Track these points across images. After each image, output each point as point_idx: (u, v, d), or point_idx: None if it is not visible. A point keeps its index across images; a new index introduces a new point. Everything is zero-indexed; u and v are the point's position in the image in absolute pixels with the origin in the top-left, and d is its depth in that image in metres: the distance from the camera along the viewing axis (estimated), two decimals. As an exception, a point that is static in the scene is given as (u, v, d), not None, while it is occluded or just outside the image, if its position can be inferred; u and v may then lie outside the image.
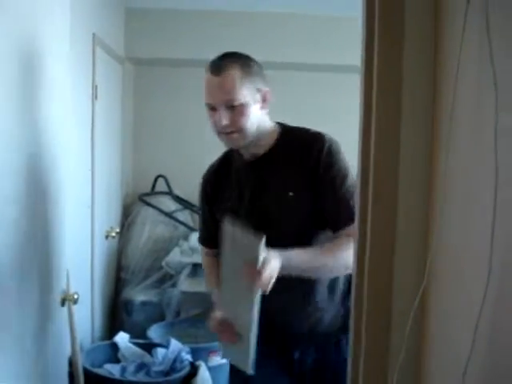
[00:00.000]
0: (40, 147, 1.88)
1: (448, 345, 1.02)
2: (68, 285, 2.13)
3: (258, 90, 1.70)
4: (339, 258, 1.61)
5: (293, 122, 1.84)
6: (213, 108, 1.68)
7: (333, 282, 1.75)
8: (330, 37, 4.00)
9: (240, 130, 1.67)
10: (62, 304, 2.08)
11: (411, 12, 1.07)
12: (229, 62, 1.68)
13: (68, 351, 2.35)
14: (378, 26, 1.08)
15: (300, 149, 1.72)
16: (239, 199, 1.79)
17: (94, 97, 3.29)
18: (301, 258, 1.58)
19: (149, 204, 4.06)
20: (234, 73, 1.66)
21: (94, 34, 3.21)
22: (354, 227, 1.49)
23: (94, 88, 3.28)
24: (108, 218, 3.73)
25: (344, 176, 1.68)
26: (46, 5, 1.91)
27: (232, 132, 1.68)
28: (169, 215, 4.04)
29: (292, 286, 1.66)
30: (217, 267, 1.93)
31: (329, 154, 1.68)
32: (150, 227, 3.97)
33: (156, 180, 4.25)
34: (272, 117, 1.79)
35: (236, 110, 1.66)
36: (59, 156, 2.05)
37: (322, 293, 1.74)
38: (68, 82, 2.16)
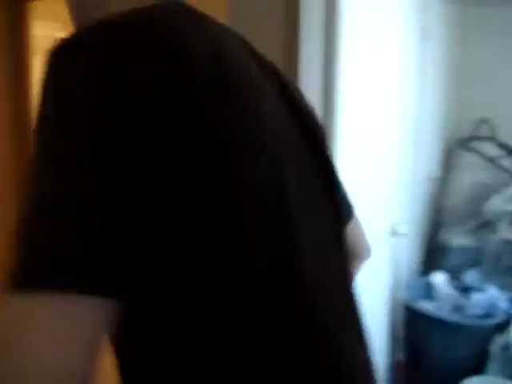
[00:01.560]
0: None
1: None
2: (397, 219, 2.25)
3: None
4: None
5: None
6: None
7: None
8: None
9: None
10: (391, 235, 2.21)
11: None
12: None
13: (389, 283, 2.50)
14: None
15: None
16: None
17: (423, 38, 3.30)
18: None
19: (470, 149, 3.96)
20: None
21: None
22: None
23: (423, 29, 3.28)
24: (428, 160, 3.78)
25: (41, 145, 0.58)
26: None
27: None
28: (493, 161, 3.89)
29: None
30: None
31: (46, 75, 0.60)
32: (471, 172, 3.89)
33: (478, 124, 4.10)
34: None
35: None
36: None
37: None
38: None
